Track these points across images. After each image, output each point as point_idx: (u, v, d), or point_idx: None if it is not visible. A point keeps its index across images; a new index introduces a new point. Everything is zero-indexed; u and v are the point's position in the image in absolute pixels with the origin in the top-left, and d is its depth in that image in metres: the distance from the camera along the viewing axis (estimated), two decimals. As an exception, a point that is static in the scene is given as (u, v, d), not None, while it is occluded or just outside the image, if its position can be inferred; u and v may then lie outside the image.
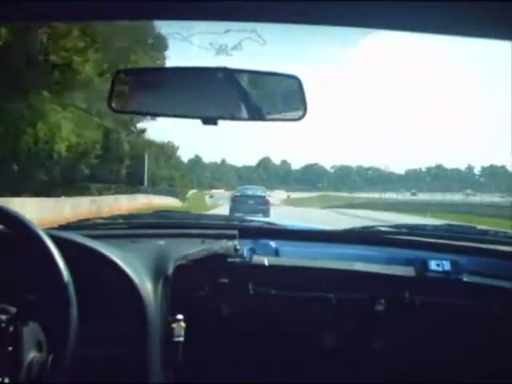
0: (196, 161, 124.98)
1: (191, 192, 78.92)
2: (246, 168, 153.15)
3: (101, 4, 0.95)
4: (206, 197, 75.22)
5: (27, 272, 1.26)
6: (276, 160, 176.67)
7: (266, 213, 20.28)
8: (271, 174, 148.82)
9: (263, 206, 20.89)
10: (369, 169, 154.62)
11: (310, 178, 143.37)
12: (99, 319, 1.31)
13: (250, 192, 23.41)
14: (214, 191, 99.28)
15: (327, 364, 1.85)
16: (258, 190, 23.99)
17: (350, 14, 0.96)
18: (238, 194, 23.40)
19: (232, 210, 20.16)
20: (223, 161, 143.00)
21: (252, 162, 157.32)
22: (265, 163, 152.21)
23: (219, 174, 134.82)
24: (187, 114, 1.50)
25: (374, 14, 0.95)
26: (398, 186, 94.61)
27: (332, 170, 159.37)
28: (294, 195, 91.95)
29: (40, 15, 1.04)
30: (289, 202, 77.07)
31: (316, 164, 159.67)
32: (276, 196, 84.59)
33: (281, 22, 0.99)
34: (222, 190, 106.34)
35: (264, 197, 22.40)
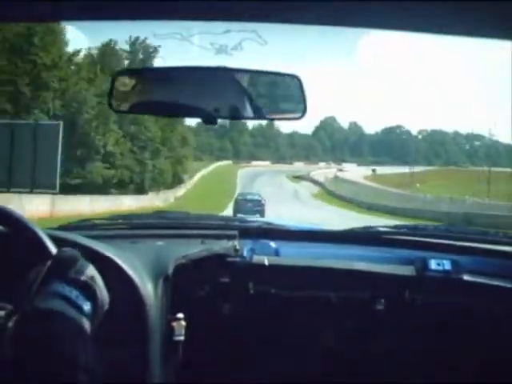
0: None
1: (206, 171, 67.26)
2: (300, 135, 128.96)
3: (101, 4, 0.96)
4: (239, 175, 66.19)
5: (26, 272, 1.23)
6: (343, 121, 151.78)
7: (262, 213, 26.16)
8: (336, 140, 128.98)
9: (259, 207, 27.02)
10: (471, 137, 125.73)
11: (391, 147, 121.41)
12: (100, 319, 1.29)
13: (249, 197, 29.71)
14: (255, 163, 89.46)
15: (327, 363, 1.85)
16: (255, 196, 30.40)
17: (350, 14, 0.97)
18: (240, 197, 29.39)
19: (234, 210, 25.97)
20: (269, 122, 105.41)
21: (311, 122, 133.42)
22: (328, 125, 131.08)
23: (264, 140, 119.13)
24: (187, 114, 1.52)
25: (374, 15, 0.96)
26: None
27: (419, 136, 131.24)
28: (381, 170, 75.80)
29: (39, 15, 1.05)
30: (377, 180, 64.48)
31: (399, 127, 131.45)
32: (351, 174, 72.65)
33: (281, 22, 0.99)
34: (267, 162, 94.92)
35: (260, 200, 28.54)
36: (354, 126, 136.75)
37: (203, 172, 65.15)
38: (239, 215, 21.79)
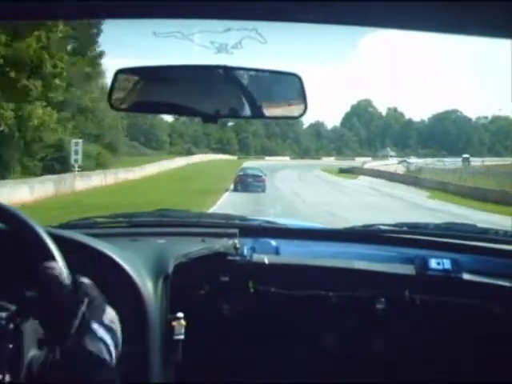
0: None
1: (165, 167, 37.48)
2: (325, 124, 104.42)
3: (101, 3, 0.96)
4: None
5: (27, 270, 1.23)
6: (380, 104, 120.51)
7: (263, 188, 26.17)
8: (375, 129, 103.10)
9: (260, 182, 26.55)
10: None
11: (445, 137, 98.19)
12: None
13: (249, 172, 28.53)
14: (270, 159, 70.40)
15: (328, 362, 1.85)
16: (255, 170, 29.16)
17: (350, 13, 0.97)
18: (240, 173, 28.31)
19: (235, 186, 26.30)
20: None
21: (341, 107, 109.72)
22: (362, 110, 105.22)
23: (280, 130, 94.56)
24: (187, 112, 1.52)
25: (375, 13, 0.95)
26: None
27: (479, 122, 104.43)
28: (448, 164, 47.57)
29: (39, 13, 1.04)
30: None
31: (454, 112, 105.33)
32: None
33: (281, 20, 1.00)
34: (285, 158, 79.16)
35: (260, 176, 27.58)
36: (394, 112, 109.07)
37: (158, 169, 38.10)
38: (239, 193, 23.30)
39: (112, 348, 1.13)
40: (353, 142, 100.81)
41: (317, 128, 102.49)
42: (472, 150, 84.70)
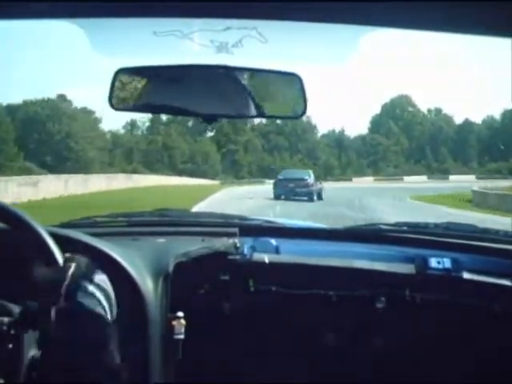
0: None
1: None
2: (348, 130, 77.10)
3: (101, 2, 0.97)
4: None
5: (28, 270, 1.23)
6: (423, 102, 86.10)
7: (310, 195, 21.05)
8: (420, 135, 72.66)
9: (304, 188, 21.67)
10: None
11: None
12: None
13: (289, 175, 23.82)
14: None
15: (328, 361, 1.86)
16: (298, 173, 24.32)
17: (351, 12, 0.97)
18: (280, 177, 23.92)
19: (274, 193, 21.92)
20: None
21: (367, 108, 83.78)
22: (400, 109, 73.60)
23: (285, 139, 68.43)
24: (187, 112, 1.52)
25: (376, 12, 0.96)
26: None
27: None
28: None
29: (39, 13, 1.05)
30: None
31: None
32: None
33: (282, 19, 1.00)
34: None
35: (305, 179, 22.58)
36: (439, 114, 77.45)
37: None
38: (273, 201, 19.90)
39: (105, 303, 1.16)
40: (394, 154, 71.31)
41: (337, 137, 73.95)
42: None
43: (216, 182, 49.65)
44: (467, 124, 74.80)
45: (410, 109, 78.11)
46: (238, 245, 1.74)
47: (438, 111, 78.57)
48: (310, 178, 23.29)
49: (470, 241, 1.92)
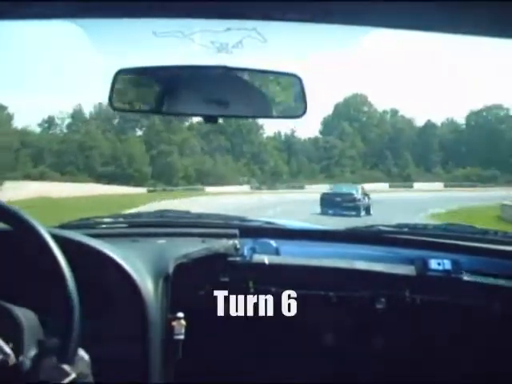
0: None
1: None
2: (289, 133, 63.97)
3: (101, 2, 0.97)
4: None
5: (29, 270, 1.27)
6: (380, 103, 76.36)
7: (357, 210, 20.70)
8: (378, 138, 65.05)
9: (350, 203, 21.37)
10: None
11: (494, 148, 58.99)
12: (100, 317, 1.32)
13: (337, 190, 23.84)
14: (213, 190, 40.12)
15: (328, 362, 1.87)
16: (344, 188, 24.03)
17: (351, 13, 0.97)
18: (327, 191, 24.01)
19: (322, 208, 21.35)
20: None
21: (318, 108, 63.68)
22: (355, 109, 66.96)
23: (236, 140, 59.96)
24: (188, 112, 1.54)
25: (376, 13, 0.95)
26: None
27: None
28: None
29: (38, 13, 1.04)
30: None
31: (498, 107, 64.98)
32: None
33: (282, 20, 1.00)
34: (242, 187, 46.14)
35: (351, 194, 22.26)
36: (395, 116, 70.63)
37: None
38: (317, 214, 19.43)
39: None
40: (349, 159, 62.76)
41: (286, 139, 65.79)
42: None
43: (142, 191, 41.09)
44: (430, 126, 68.32)
45: (366, 109, 70.83)
46: (238, 246, 1.75)
47: (394, 112, 72.26)
48: (358, 192, 22.81)
49: (469, 242, 1.93)
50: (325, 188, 44.93)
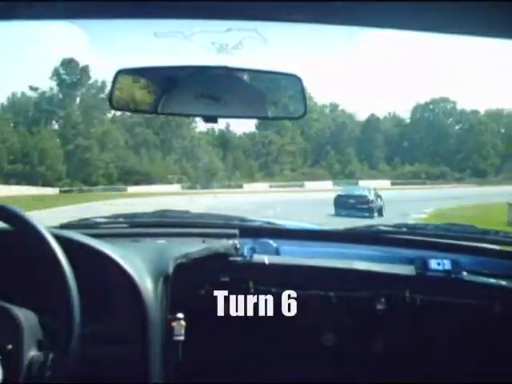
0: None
1: None
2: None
3: (101, 3, 0.97)
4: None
5: (30, 270, 1.28)
6: (320, 97, 71.23)
7: (370, 212, 21.13)
8: (320, 134, 60.88)
9: (363, 205, 21.79)
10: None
11: (437, 143, 58.30)
12: (100, 318, 1.32)
13: (350, 192, 24.02)
14: (134, 191, 36.51)
15: (328, 362, 1.87)
16: (357, 190, 24.56)
17: (351, 13, 0.97)
18: (341, 193, 24.11)
19: (336, 210, 21.78)
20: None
21: None
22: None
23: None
24: (188, 113, 1.56)
25: (376, 13, 0.95)
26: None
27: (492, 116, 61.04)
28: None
29: (38, 13, 1.04)
30: None
31: (445, 101, 62.41)
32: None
33: (282, 20, 1.00)
34: (173, 187, 41.68)
35: (365, 196, 22.78)
36: (335, 110, 67.10)
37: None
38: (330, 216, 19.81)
39: None
40: (289, 155, 57.33)
41: (220, 134, 58.60)
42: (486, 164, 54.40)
43: (53, 192, 36.23)
44: (373, 120, 63.95)
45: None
46: (238, 246, 1.76)
47: (334, 107, 67.71)
48: (371, 194, 23.20)
49: (469, 242, 1.93)
50: (264, 187, 42.97)
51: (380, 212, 22.12)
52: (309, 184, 46.33)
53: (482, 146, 57.48)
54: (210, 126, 57.34)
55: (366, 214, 20.54)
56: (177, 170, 50.82)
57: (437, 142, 58.43)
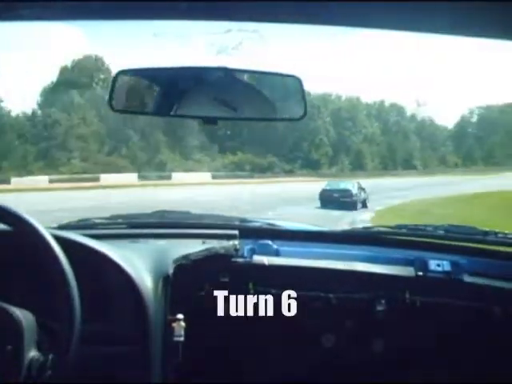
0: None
1: None
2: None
3: (101, 4, 0.97)
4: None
5: (30, 271, 1.28)
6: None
7: (352, 206, 21.64)
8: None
9: (347, 198, 22.08)
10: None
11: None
12: (100, 318, 1.32)
13: (334, 186, 24.02)
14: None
15: (327, 363, 1.86)
16: (342, 184, 24.39)
17: (351, 14, 0.97)
18: (326, 187, 24.11)
19: (321, 203, 22.21)
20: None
21: None
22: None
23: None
24: (188, 114, 1.52)
25: (375, 15, 0.95)
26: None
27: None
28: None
29: (39, 14, 1.03)
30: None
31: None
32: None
33: (281, 22, 1.00)
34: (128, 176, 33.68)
35: (348, 190, 22.96)
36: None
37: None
38: (317, 209, 20.02)
39: None
40: (80, 140, 43.25)
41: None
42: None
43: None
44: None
45: (101, 75, 49.57)
46: (238, 247, 1.75)
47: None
48: (354, 188, 23.61)
49: (469, 243, 1.92)
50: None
51: (364, 204, 22.79)
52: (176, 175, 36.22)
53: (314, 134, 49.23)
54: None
55: (351, 208, 20.98)
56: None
57: (264, 128, 45.13)
